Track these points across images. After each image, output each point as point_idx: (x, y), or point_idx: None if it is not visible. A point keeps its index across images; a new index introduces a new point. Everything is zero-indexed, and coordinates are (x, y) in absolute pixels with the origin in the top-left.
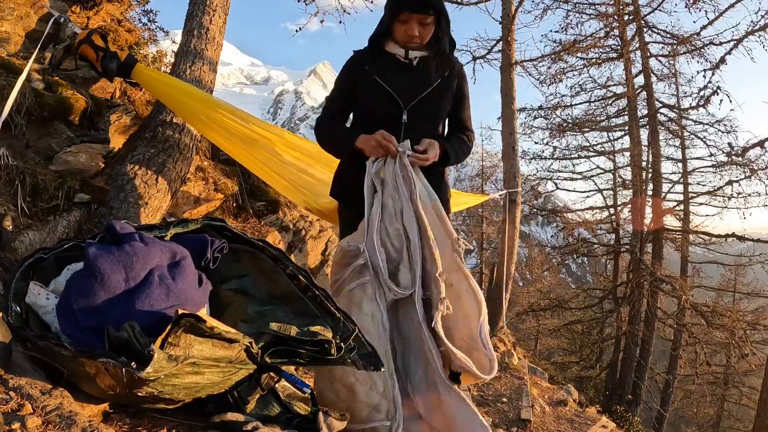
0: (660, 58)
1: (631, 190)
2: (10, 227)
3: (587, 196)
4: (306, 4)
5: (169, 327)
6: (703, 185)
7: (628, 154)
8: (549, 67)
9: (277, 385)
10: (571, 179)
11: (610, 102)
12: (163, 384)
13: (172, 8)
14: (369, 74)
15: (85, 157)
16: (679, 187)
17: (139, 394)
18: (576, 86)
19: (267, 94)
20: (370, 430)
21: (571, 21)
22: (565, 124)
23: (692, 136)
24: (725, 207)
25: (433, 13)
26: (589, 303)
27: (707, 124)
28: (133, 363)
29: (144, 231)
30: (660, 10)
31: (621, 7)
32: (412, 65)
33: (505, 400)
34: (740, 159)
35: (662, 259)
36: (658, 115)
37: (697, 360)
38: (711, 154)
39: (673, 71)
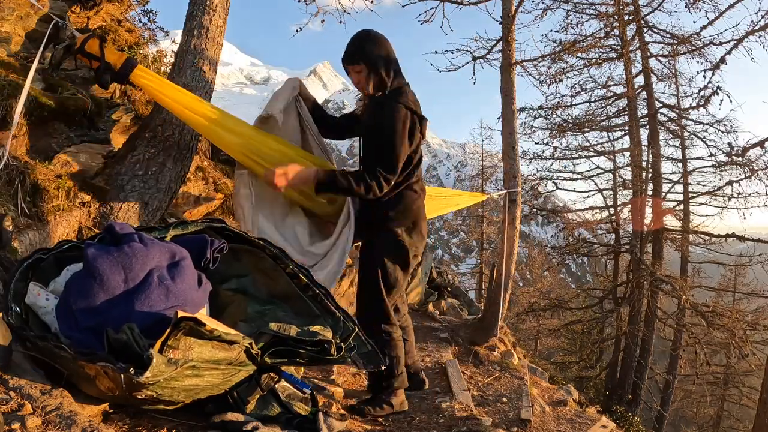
0: (660, 58)
1: (631, 190)
2: (10, 227)
3: (587, 196)
4: (306, 4)
5: (168, 330)
6: (703, 185)
7: (628, 154)
8: (549, 67)
9: (277, 386)
10: (571, 179)
11: (610, 102)
12: (163, 387)
13: (172, 8)
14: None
15: (85, 157)
16: (679, 187)
17: (139, 396)
18: (576, 86)
19: (267, 94)
20: None
21: (571, 21)
22: (565, 124)
23: (692, 136)
24: (725, 207)
25: (359, 62)
26: (589, 303)
27: (707, 124)
28: (131, 368)
29: (144, 232)
30: (660, 10)
31: (621, 7)
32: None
33: (505, 400)
34: (740, 159)
35: (662, 259)
36: (658, 115)
37: (697, 360)
38: (711, 154)
39: (673, 71)
